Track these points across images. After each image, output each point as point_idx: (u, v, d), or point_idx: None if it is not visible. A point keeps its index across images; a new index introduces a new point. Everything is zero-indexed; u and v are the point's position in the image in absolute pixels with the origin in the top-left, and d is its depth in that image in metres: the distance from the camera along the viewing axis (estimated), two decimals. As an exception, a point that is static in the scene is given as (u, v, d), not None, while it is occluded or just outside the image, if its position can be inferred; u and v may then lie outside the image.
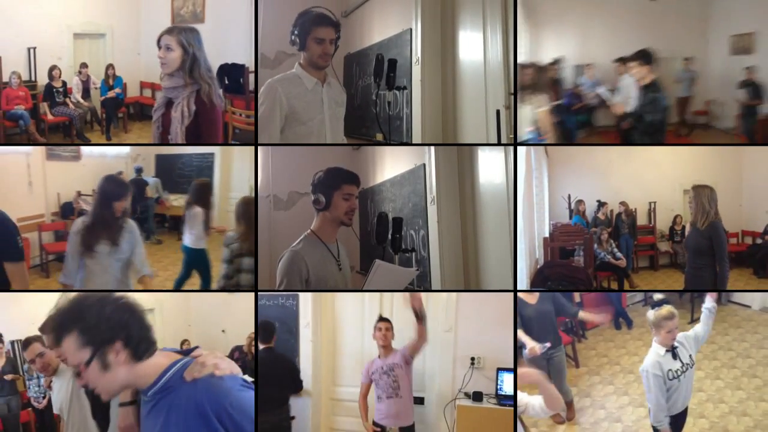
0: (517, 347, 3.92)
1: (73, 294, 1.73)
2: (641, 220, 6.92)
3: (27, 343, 2.93)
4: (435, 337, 4.20)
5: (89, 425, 2.80)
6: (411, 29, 4.45)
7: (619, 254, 5.89)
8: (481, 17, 3.91)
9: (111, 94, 6.82)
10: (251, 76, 5.77)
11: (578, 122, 6.03)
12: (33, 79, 6.70)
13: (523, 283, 4.43)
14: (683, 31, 6.83)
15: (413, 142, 4.43)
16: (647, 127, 4.25)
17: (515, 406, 3.91)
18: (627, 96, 5.42)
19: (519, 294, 3.84)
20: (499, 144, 3.75)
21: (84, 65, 6.89)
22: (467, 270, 4.09)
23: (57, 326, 1.67)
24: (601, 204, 6.53)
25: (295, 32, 3.03)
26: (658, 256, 6.84)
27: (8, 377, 4.48)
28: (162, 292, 5.37)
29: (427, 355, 4.29)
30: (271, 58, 5.24)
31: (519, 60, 3.71)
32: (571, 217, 6.43)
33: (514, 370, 4.03)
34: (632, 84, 5.38)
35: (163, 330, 5.22)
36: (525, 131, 4.52)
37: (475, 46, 3.99)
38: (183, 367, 1.71)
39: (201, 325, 5.53)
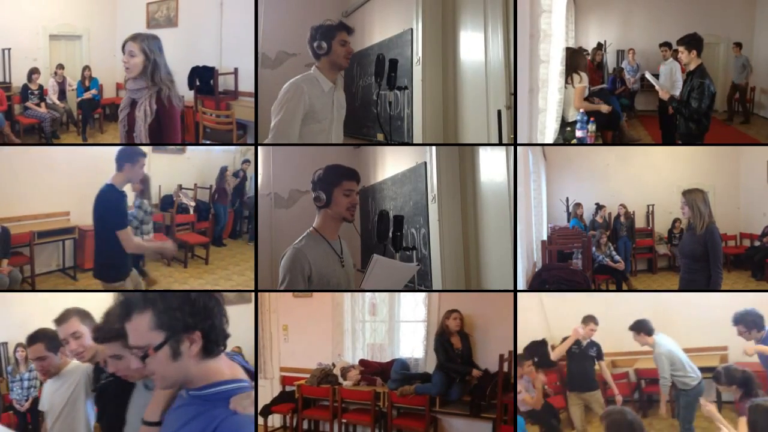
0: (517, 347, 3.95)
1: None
2: (639, 222, 6.92)
3: (64, 316, 2.67)
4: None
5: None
6: (412, 29, 4.47)
7: (617, 257, 5.88)
8: (482, 17, 3.92)
9: (87, 95, 6.80)
10: (221, 78, 6.00)
11: (622, 105, 5.92)
12: (8, 80, 6.65)
13: (521, 285, 4.42)
14: (729, 14, 6.76)
15: (414, 142, 4.44)
16: (693, 113, 4.19)
17: (515, 406, 3.97)
18: (672, 81, 5.43)
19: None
20: (499, 144, 3.75)
21: (60, 66, 6.88)
22: (468, 268, 4.10)
23: (132, 301, 1.54)
24: (599, 207, 6.54)
25: (322, 39, 3.22)
26: (656, 259, 6.83)
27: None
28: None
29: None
30: (272, 58, 5.26)
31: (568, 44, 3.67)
32: (569, 220, 6.43)
33: (515, 371, 4.04)
34: (677, 69, 5.40)
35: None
36: (572, 114, 4.59)
37: (476, 46, 4.01)
38: (235, 391, 1.58)
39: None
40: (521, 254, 4.23)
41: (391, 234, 3.32)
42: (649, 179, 6.79)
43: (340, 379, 5.05)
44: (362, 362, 5.24)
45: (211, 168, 6.87)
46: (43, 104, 6.58)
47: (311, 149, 4.29)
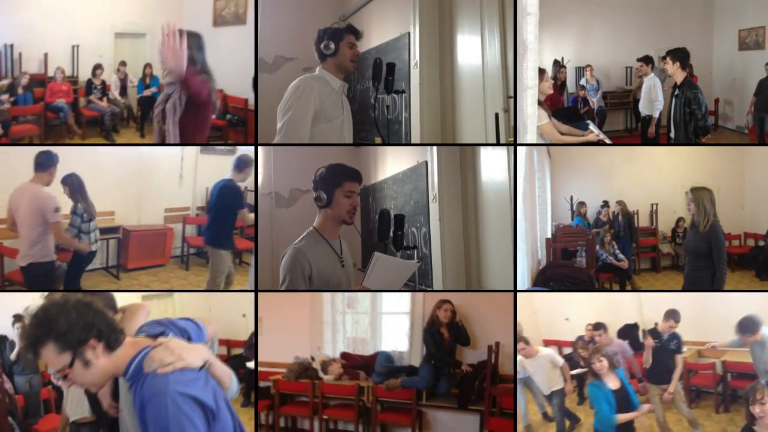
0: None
1: (33, 308, 1.82)
2: (643, 221, 6.87)
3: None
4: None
5: (85, 401, 2.91)
6: (409, 33, 4.48)
7: (620, 255, 5.86)
8: (479, 21, 3.93)
9: (147, 92, 6.95)
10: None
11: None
12: (75, 74, 7.09)
13: (524, 283, 4.41)
14: (687, 27, 6.76)
15: (413, 143, 4.44)
16: (697, 122, 4.30)
17: (515, 407, 3.96)
18: (651, 99, 5.41)
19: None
20: (498, 144, 3.76)
21: (122, 63, 7.20)
22: (469, 267, 4.09)
23: (32, 341, 1.79)
24: (605, 204, 6.48)
25: (330, 41, 3.22)
26: (659, 258, 6.79)
27: (30, 357, 4.49)
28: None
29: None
30: (269, 62, 5.28)
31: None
32: (572, 219, 6.41)
33: (514, 371, 4.02)
34: (657, 86, 5.37)
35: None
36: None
37: (473, 50, 4.01)
38: (143, 357, 1.82)
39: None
40: (526, 252, 4.24)
41: (392, 233, 3.32)
42: (652, 178, 6.75)
43: (321, 374, 4.84)
44: (344, 355, 5.07)
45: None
46: (105, 99, 6.90)
47: (312, 147, 4.30)
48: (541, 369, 4.23)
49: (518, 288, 3.72)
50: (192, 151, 6.85)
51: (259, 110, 4.04)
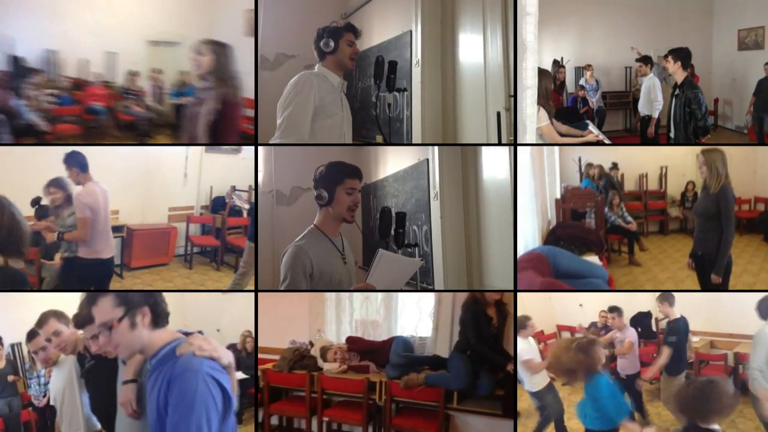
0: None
1: None
2: (652, 184, 6.80)
3: (43, 319, 2.93)
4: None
5: (79, 418, 2.94)
6: (411, 31, 4.48)
7: (629, 218, 5.94)
8: (481, 19, 3.93)
9: (182, 100, 6.98)
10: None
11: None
12: (112, 80, 7.46)
13: (536, 242, 4.35)
14: (687, 26, 6.77)
15: (414, 143, 4.45)
16: (698, 121, 4.31)
17: (515, 405, 3.93)
18: (651, 99, 5.41)
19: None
20: (498, 144, 3.76)
21: (157, 71, 7.42)
22: (470, 265, 4.09)
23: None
24: (612, 167, 6.45)
25: (330, 38, 3.21)
26: (668, 221, 6.75)
27: (10, 378, 4.54)
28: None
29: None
30: (271, 60, 5.27)
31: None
32: (581, 181, 6.42)
33: (514, 371, 3.98)
34: (657, 86, 5.38)
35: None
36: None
37: (475, 48, 4.02)
38: (178, 343, 1.95)
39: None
40: (535, 212, 4.24)
41: (393, 231, 3.31)
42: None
43: (320, 362, 4.10)
44: (350, 340, 4.31)
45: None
46: (141, 104, 7.13)
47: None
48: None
49: (518, 288, 3.72)
50: (197, 150, 6.88)
51: (263, 107, 4.03)
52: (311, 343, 4.32)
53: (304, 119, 3.10)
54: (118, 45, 7.51)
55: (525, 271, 3.56)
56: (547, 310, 5.43)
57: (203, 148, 6.86)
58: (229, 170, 6.92)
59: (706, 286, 3.76)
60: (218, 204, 6.81)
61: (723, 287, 3.75)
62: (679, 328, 3.91)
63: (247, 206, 6.61)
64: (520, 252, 3.82)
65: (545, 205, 5.06)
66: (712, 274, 3.69)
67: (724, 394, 2.45)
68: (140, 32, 7.70)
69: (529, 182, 4.23)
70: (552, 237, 4.64)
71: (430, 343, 4.21)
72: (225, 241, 6.25)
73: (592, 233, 4.77)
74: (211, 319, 5.24)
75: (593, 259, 4.48)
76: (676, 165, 6.85)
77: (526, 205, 4.15)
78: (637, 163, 6.63)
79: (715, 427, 2.46)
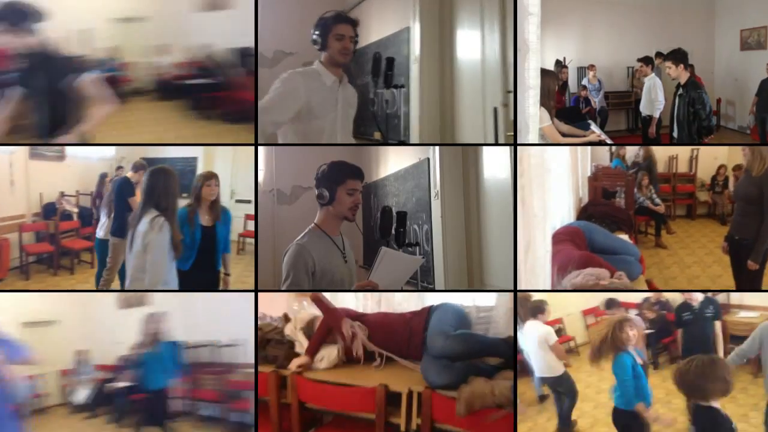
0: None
1: None
2: (682, 167, 6.65)
3: None
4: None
5: None
6: (409, 27, 4.48)
7: (657, 200, 5.95)
8: (478, 15, 3.93)
9: None
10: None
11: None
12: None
13: (571, 217, 4.41)
14: (689, 27, 6.72)
15: (411, 140, 4.44)
16: (702, 121, 4.30)
17: (515, 405, 3.92)
18: (651, 99, 5.40)
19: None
20: (499, 144, 3.76)
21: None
22: (470, 265, 4.10)
23: None
24: (641, 146, 6.41)
25: (317, 33, 3.09)
26: (696, 205, 6.63)
27: None
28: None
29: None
30: (269, 57, 5.24)
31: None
32: (611, 160, 6.42)
33: (515, 371, 3.98)
34: (658, 87, 5.38)
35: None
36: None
37: (472, 45, 4.01)
38: None
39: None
40: (569, 188, 4.30)
41: (393, 230, 3.30)
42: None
43: (299, 348, 2.79)
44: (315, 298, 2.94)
45: (90, 175, 6.65)
46: None
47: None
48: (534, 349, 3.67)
49: (518, 288, 3.71)
50: (21, 156, 6.38)
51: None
52: (286, 318, 2.95)
53: (278, 115, 2.98)
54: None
55: (563, 243, 3.69)
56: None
57: (27, 154, 6.40)
58: (55, 176, 6.69)
59: (740, 272, 3.64)
60: (49, 210, 6.58)
61: (759, 274, 3.60)
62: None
63: (76, 210, 6.57)
64: (557, 227, 3.90)
65: (577, 183, 5.18)
66: (749, 260, 3.55)
67: (724, 372, 2.45)
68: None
69: (566, 158, 4.24)
70: (584, 214, 4.77)
71: (497, 317, 2.79)
72: (60, 245, 6.05)
73: (622, 212, 4.86)
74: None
75: (624, 237, 4.52)
76: (709, 147, 6.42)
77: (563, 179, 4.20)
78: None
79: (715, 404, 2.46)
